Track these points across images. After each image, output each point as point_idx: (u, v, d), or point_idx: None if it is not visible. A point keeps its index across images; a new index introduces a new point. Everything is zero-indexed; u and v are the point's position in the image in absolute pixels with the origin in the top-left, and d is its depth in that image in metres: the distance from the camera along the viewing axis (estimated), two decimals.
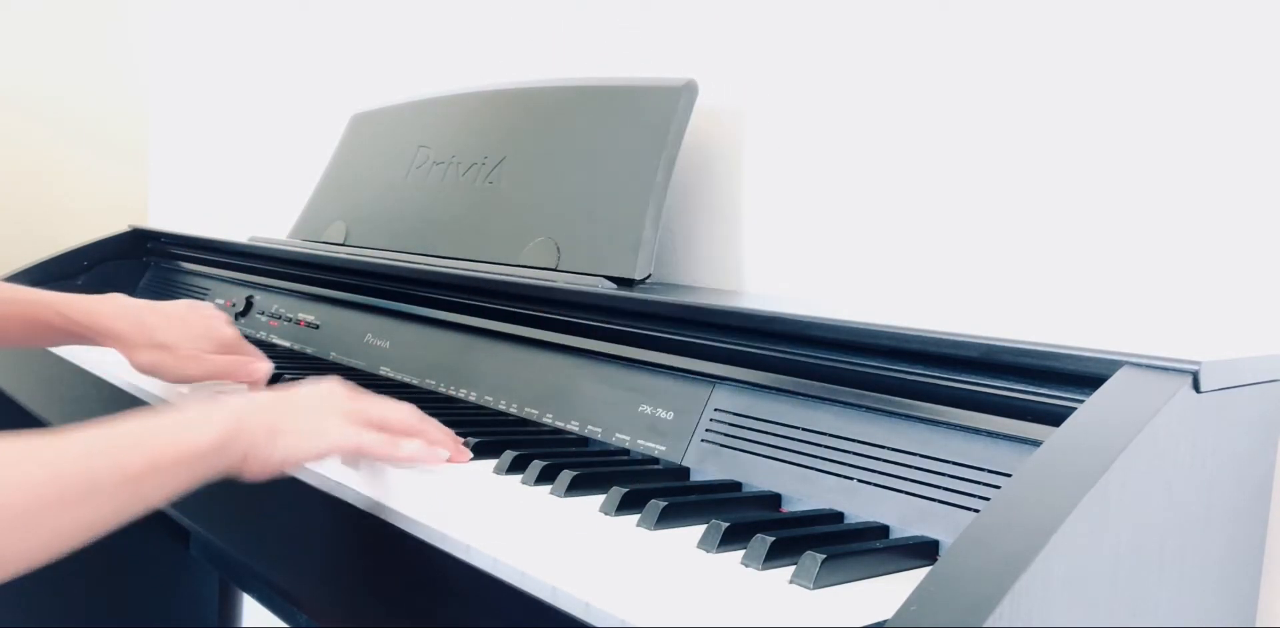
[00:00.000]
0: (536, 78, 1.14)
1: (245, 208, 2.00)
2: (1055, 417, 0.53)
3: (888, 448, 0.64)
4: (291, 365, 1.05)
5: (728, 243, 1.04)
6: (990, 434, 0.60)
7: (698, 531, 0.58)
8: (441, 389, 0.97)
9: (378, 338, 1.08)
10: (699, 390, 0.76)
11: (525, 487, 0.68)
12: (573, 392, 0.85)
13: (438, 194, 1.16)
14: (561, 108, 1.07)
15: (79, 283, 1.50)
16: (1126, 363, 0.53)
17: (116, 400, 1.04)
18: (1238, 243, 0.71)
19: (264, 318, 1.27)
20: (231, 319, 1.02)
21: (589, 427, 0.82)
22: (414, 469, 0.70)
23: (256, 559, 0.84)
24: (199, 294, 1.41)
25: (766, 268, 1.00)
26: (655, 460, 0.76)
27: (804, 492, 0.67)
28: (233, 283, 1.36)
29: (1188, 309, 0.73)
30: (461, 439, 0.75)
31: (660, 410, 0.78)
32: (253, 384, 0.93)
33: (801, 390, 0.70)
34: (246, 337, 0.99)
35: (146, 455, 0.60)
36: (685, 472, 0.73)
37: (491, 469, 0.72)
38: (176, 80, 2.30)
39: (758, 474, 0.70)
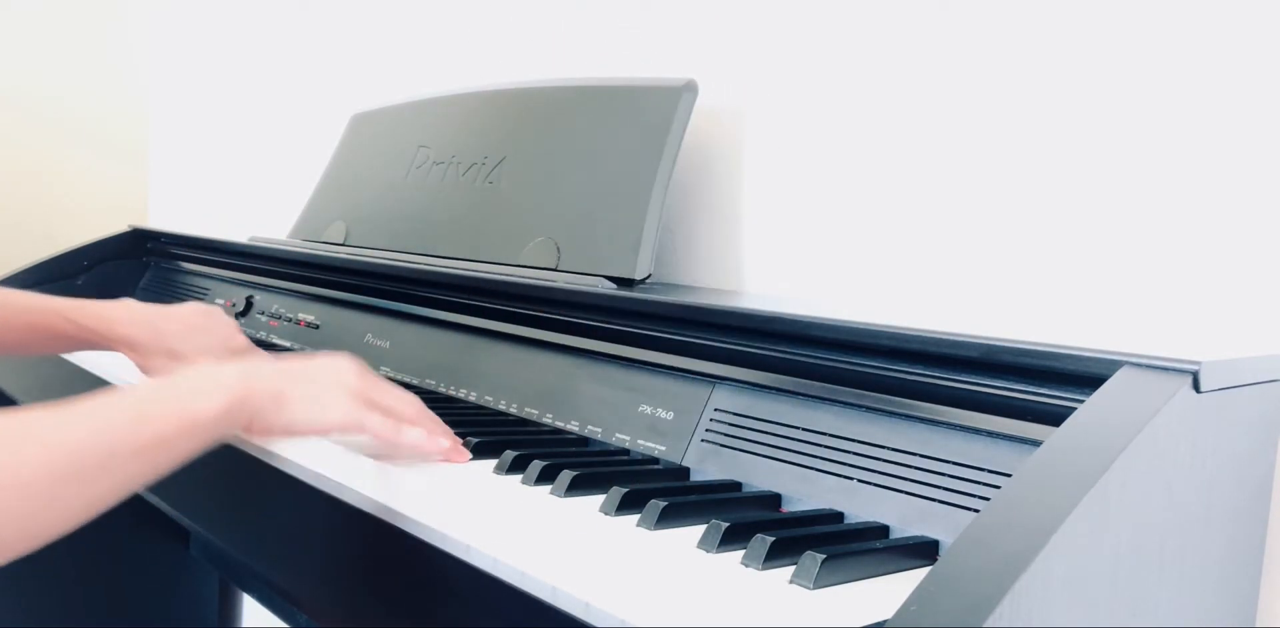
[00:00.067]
0: (536, 78, 1.14)
1: (245, 208, 2.00)
2: (1055, 417, 0.53)
3: (888, 448, 0.64)
4: None
5: (728, 243, 1.04)
6: (990, 434, 0.60)
7: (698, 531, 0.58)
8: (441, 389, 0.97)
9: (378, 338, 1.08)
10: (699, 390, 0.76)
11: (525, 487, 0.68)
12: (573, 392, 0.85)
13: (438, 194, 1.16)
14: (561, 108, 1.07)
15: (79, 283, 1.50)
16: (1126, 363, 0.53)
17: None
18: (1237, 243, 0.71)
19: (264, 318, 1.27)
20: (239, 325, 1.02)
21: (589, 427, 0.82)
22: (414, 469, 0.70)
23: (256, 559, 0.84)
24: (199, 294, 1.41)
25: (766, 268, 1.00)
26: (655, 461, 0.76)
27: (804, 492, 0.67)
28: (233, 283, 1.36)
29: (1188, 309, 0.73)
30: (461, 439, 0.75)
31: (660, 410, 0.78)
32: None
33: (801, 390, 0.70)
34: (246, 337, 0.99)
35: (158, 426, 0.61)
36: (685, 472, 0.73)
37: (492, 469, 0.72)
38: (176, 80, 2.30)
39: (758, 474, 0.70)
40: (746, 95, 1.03)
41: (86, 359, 1.15)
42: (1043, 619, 0.41)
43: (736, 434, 0.72)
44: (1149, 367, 0.53)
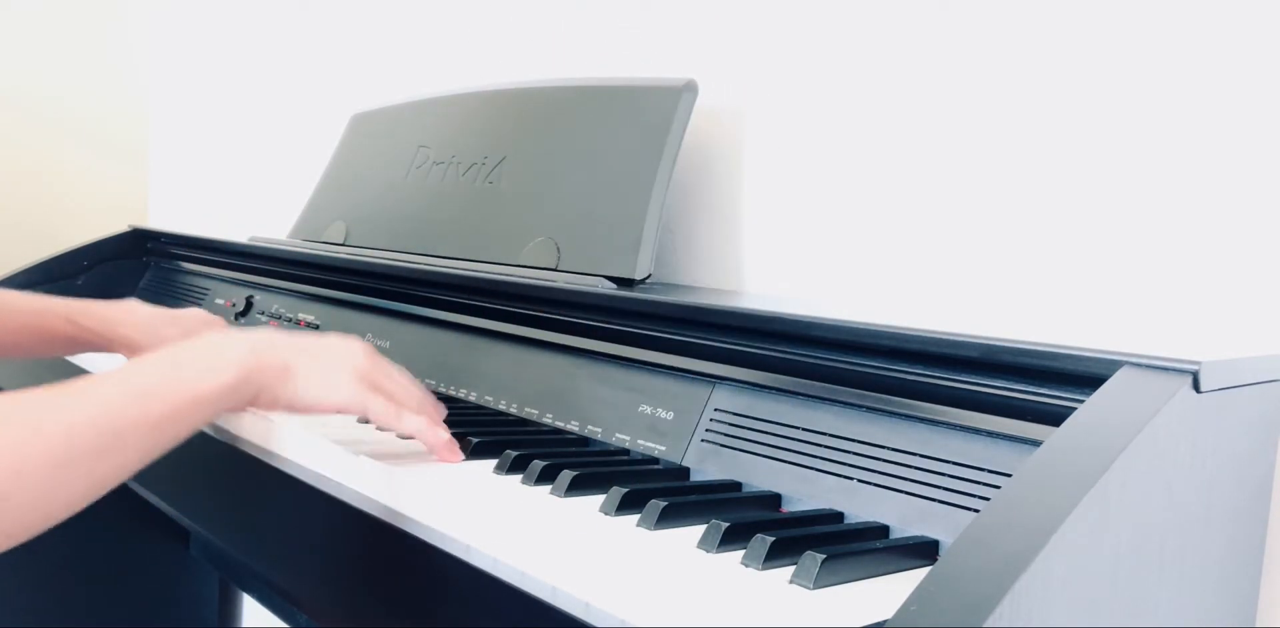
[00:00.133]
0: (536, 78, 1.14)
1: (245, 208, 2.00)
2: (1055, 417, 0.53)
3: (888, 448, 0.64)
4: None
5: (728, 243, 1.04)
6: (990, 434, 0.60)
7: (698, 531, 0.58)
8: (441, 389, 0.97)
9: (378, 338, 1.08)
10: (699, 390, 0.76)
11: (525, 487, 0.68)
12: (573, 392, 0.85)
13: (438, 194, 1.16)
14: (561, 108, 1.07)
15: (79, 283, 1.50)
16: (1126, 363, 0.53)
17: None
18: (1237, 243, 0.71)
19: (264, 318, 1.27)
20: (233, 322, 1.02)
21: (589, 427, 0.82)
22: (414, 469, 0.70)
23: (256, 559, 0.84)
24: (199, 294, 1.41)
25: (766, 268, 1.00)
26: (655, 461, 0.76)
27: (804, 492, 0.67)
28: (233, 283, 1.36)
29: (1188, 309, 0.73)
30: (461, 439, 0.75)
31: (660, 410, 0.78)
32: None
33: (801, 390, 0.70)
34: None
35: (168, 401, 0.61)
36: (685, 472, 0.73)
37: (492, 469, 0.72)
38: (176, 80, 2.30)
39: (758, 474, 0.70)
40: (746, 95, 1.03)
41: (87, 361, 1.15)
42: (1043, 619, 0.41)
43: (736, 434, 0.72)
44: (1149, 367, 0.53)
